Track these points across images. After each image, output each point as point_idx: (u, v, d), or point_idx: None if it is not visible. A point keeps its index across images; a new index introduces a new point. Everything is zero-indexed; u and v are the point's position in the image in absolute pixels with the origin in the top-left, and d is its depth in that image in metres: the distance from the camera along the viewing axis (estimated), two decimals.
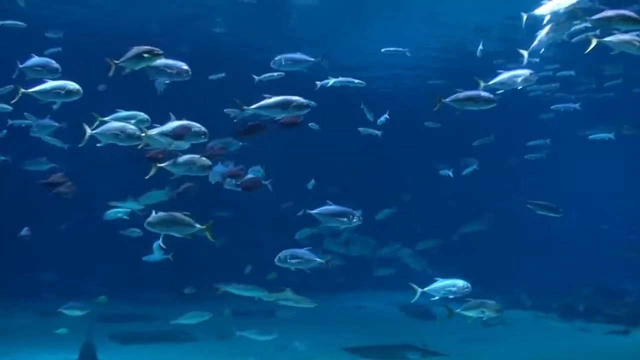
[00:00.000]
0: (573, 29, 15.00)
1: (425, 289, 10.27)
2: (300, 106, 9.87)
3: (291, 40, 18.52)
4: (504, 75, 11.11)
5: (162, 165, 9.61)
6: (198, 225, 9.27)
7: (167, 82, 12.84)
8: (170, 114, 9.66)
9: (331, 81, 13.41)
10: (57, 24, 16.95)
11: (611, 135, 19.03)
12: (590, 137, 19.18)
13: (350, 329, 18.60)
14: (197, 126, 9.56)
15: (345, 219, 10.38)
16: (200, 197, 12.72)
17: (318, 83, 13.16)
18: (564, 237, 25.90)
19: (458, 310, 10.08)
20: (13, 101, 10.06)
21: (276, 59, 12.31)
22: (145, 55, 9.21)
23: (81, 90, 9.86)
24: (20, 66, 10.61)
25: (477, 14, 18.52)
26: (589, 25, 14.67)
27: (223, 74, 15.47)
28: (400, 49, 15.81)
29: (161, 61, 9.56)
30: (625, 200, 26.72)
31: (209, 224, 9.25)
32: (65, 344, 15.29)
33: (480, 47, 16.67)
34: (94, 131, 9.39)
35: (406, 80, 24.42)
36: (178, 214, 9.37)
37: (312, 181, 16.05)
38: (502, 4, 17.36)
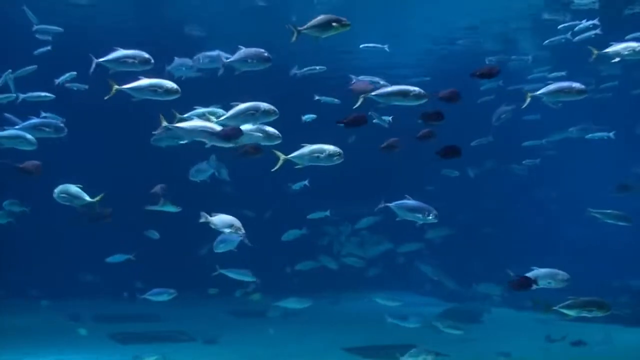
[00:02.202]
0: (577, 28, 15.13)
1: None
2: (418, 96, 10.01)
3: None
4: (620, 46, 10.83)
5: (288, 157, 9.64)
6: (88, 198, 9.86)
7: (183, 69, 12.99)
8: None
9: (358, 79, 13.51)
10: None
11: (611, 135, 18.91)
12: (588, 136, 19.08)
13: (349, 329, 18.60)
14: (267, 105, 9.65)
15: (421, 215, 10.42)
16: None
17: (353, 78, 13.23)
18: (566, 236, 25.90)
19: (557, 307, 9.29)
20: (107, 97, 9.61)
21: (195, 57, 12.66)
22: (334, 24, 9.16)
23: (179, 90, 9.67)
24: (101, 60, 10.15)
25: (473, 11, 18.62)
26: (597, 23, 14.88)
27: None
28: (379, 45, 15.82)
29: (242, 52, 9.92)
30: (626, 200, 26.64)
31: (98, 197, 9.81)
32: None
33: (492, 58, 16.89)
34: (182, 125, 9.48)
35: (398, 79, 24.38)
36: (72, 186, 9.95)
37: (305, 182, 16.01)
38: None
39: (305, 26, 9.29)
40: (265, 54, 10.28)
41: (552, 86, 10.55)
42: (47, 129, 11.38)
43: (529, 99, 10.59)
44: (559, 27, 16.07)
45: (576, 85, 10.46)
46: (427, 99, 10.10)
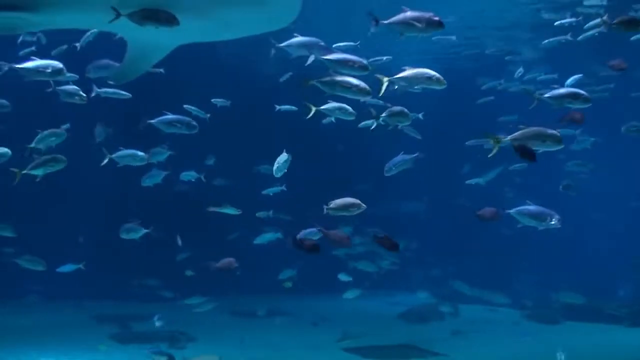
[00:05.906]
0: (587, 25, 15.11)
1: None
2: (586, 100, 9.91)
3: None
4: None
5: (506, 139, 8.99)
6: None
7: None
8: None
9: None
10: None
11: (577, 132, 18.89)
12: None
13: (348, 329, 18.60)
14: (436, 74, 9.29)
15: (543, 220, 10.20)
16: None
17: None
18: (569, 236, 25.83)
19: None
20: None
21: (88, 66, 12.74)
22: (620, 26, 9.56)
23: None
24: (283, 45, 10.09)
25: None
26: (606, 19, 14.83)
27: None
28: (351, 43, 15.68)
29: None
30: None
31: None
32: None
33: (521, 69, 17.01)
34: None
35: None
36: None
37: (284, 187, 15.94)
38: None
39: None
40: (436, 18, 8.71)
41: None
42: (179, 125, 11.56)
43: None
44: (555, 23, 16.06)
45: None
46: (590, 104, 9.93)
